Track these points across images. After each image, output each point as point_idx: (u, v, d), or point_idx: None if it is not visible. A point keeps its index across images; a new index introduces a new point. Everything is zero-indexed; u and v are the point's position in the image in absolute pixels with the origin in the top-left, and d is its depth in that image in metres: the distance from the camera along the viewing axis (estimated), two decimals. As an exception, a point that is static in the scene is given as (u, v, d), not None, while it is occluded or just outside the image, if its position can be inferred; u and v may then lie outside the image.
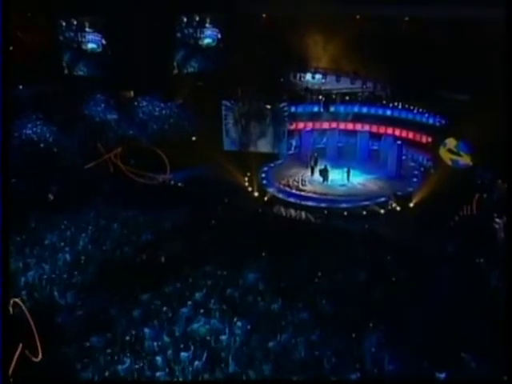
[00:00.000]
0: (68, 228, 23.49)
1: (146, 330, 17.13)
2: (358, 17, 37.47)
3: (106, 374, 15.50)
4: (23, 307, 17.10)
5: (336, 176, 30.40)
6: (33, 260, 20.86)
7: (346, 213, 26.80)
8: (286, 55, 36.56)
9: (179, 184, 29.32)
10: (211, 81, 35.14)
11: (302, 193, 28.69)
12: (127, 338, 16.80)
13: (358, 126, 32.22)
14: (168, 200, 26.37)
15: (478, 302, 18.09)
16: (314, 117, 32.26)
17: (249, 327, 17.17)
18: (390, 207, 27.41)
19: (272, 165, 32.06)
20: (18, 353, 15.38)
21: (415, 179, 29.95)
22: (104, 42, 37.07)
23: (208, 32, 39.25)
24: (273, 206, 27.68)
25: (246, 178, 29.83)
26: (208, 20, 38.79)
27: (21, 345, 15.59)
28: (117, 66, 35.47)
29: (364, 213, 26.87)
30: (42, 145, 31.68)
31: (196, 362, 15.76)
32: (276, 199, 28.33)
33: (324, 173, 30.16)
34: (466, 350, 15.80)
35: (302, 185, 29.70)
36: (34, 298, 18.79)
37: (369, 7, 35.47)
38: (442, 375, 15.20)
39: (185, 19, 38.18)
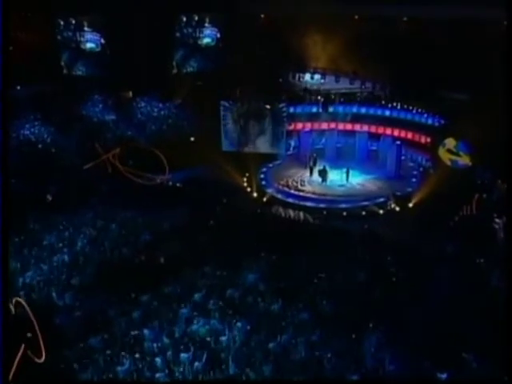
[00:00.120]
0: (66, 229, 23.37)
1: (146, 331, 17.03)
2: (357, 17, 37.49)
3: (105, 375, 15.38)
4: (26, 306, 16.93)
5: (335, 176, 30.35)
6: (31, 261, 20.74)
7: (345, 213, 26.79)
8: (285, 55, 36.51)
9: (178, 184, 29.20)
10: (210, 80, 35.13)
11: (301, 193, 28.64)
12: (126, 339, 16.69)
13: (357, 127, 32.14)
14: (166, 200, 26.26)
15: (479, 302, 18.02)
16: (313, 117, 32.16)
17: (249, 328, 17.08)
18: (389, 207, 27.36)
19: (271, 165, 32.01)
20: (20, 354, 15.23)
21: (414, 179, 29.93)
22: (103, 41, 36.99)
23: (207, 32, 39.27)
24: (272, 207, 27.57)
25: (245, 179, 29.76)
26: (207, 20, 38.81)
27: (23, 345, 15.45)
28: (116, 65, 35.41)
29: (363, 213, 26.83)
30: (40, 145, 31.57)
31: (196, 363, 15.67)
32: (275, 200, 28.27)
33: (323, 173, 30.11)
34: (467, 350, 15.74)
35: (301, 185, 29.64)
36: (32, 298, 18.61)
37: (368, 7, 35.40)
38: (443, 375, 15.14)
39: (184, 19, 38.18)
